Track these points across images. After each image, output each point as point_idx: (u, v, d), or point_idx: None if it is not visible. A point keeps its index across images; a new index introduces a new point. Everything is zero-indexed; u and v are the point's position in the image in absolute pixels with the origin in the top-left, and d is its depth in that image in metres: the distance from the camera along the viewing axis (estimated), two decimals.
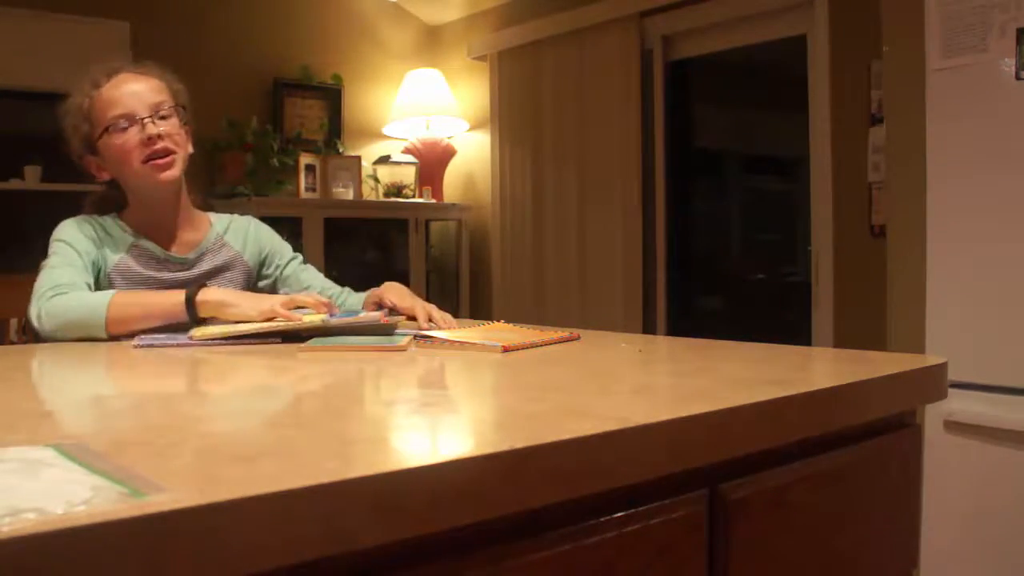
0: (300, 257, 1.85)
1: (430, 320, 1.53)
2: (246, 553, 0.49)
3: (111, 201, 1.68)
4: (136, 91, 1.59)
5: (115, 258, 1.60)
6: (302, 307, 1.44)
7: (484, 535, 0.62)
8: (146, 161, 1.57)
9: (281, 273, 1.80)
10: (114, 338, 1.44)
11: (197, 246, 1.70)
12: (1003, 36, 1.89)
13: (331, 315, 1.41)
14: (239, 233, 1.78)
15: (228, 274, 1.73)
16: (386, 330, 1.40)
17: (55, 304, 1.44)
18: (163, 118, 1.60)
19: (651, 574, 0.74)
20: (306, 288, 1.77)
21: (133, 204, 1.66)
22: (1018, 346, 1.90)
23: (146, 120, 1.57)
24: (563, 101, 3.86)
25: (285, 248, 1.84)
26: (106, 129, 1.57)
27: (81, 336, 1.43)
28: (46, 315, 1.44)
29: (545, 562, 0.66)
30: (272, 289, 1.79)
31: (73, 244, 1.56)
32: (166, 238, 1.66)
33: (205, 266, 1.69)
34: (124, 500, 0.48)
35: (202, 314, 1.43)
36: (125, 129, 1.57)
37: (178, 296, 1.45)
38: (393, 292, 1.66)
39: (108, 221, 1.64)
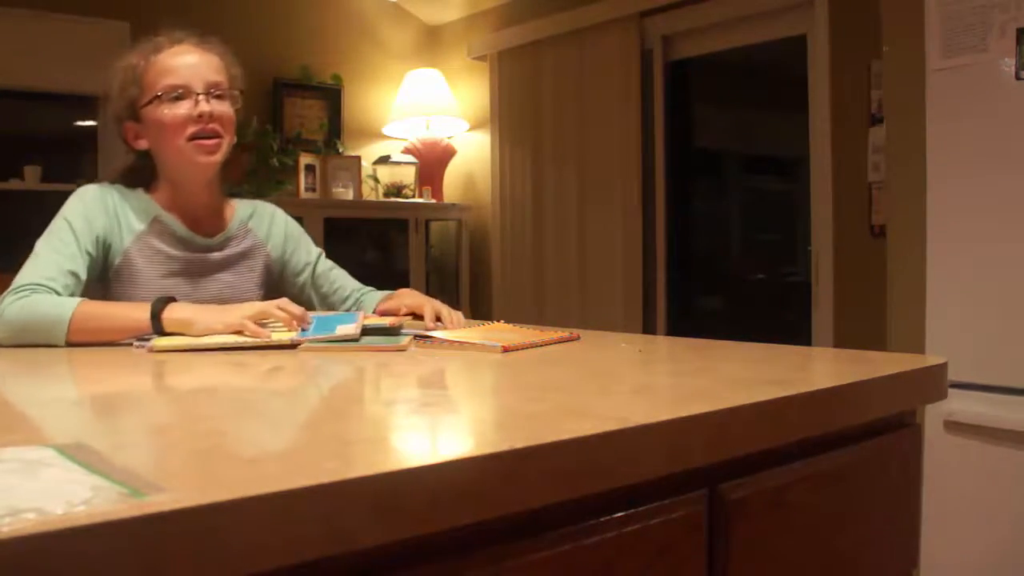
0: (322, 252, 1.81)
1: (438, 319, 1.51)
2: (246, 553, 0.49)
3: (140, 173, 1.60)
4: (195, 64, 1.53)
5: (135, 234, 1.53)
6: (273, 319, 1.37)
7: (484, 535, 0.62)
8: (192, 139, 1.51)
9: (314, 272, 1.76)
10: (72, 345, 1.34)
11: (222, 231, 1.65)
12: (1003, 36, 1.89)
13: (303, 331, 1.35)
14: (263, 220, 1.73)
15: (249, 262, 1.68)
16: (389, 331, 1.40)
17: (17, 308, 1.34)
18: (218, 98, 1.53)
19: (651, 574, 0.74)
20: (337, 288, 1.75)
21: (163, 180, 1.59)
22: (1018, 346, 1.90)
23: (200, 96, 1.50)
24: (563, 101, 3.86)
25: (309, 245, 1.79)
26: (157, 96, 1.50)
27: (39, 344, 1.33)
28: (3, 320, 1.34)
29: (545, 562, 0.66)
30: (302, 290, 1.75)
31: (73, 223, 1.47)
32: (191, 220, 1.60)
33: (229, 251, 1.64)
34: (124, 500, 0.48)
35: (167, 330, 1.34)
36: (176, 100, 1.50)
37: (144, 311, 1.34)
38: (405, 296, 1.66)
39: (134, 195, 1.57)
